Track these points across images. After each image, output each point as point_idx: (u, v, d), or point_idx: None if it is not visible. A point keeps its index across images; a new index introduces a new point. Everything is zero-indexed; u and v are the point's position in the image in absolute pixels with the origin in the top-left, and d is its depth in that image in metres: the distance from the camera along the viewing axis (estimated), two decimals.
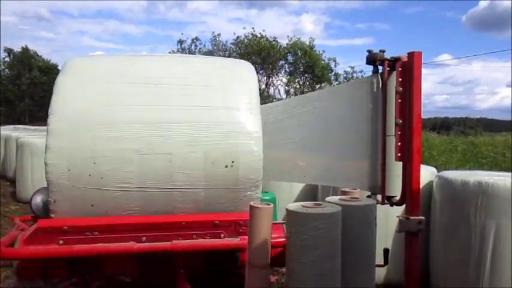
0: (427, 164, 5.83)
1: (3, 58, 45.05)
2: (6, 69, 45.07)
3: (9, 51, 45.06)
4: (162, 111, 2.77)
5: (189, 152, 2.72)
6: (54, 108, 2.71)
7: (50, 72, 43.59)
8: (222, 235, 2.72)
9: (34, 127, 17.38)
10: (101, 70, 2.97)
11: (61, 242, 2.58)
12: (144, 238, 2.65)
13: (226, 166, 2.76)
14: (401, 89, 2.54)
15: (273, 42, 29.62)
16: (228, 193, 2.84)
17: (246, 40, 29.85)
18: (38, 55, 45.83)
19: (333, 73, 30.90)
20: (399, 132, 2.55)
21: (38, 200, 3.74)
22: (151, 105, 2.77)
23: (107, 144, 2.66)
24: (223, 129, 2.77)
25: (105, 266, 2.82)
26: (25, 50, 45.11)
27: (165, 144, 2.70)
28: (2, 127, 15.98)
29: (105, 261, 2.79)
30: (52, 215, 2.70)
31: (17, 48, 45.13)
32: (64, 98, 2.76)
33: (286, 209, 2.12)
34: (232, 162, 2.77)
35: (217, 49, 30.93)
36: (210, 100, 2.85)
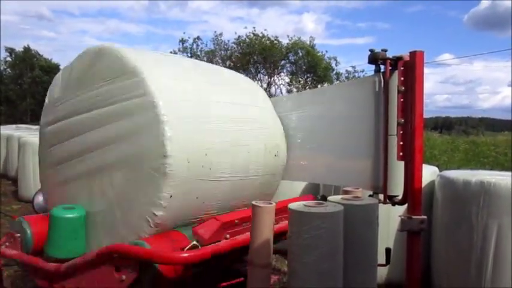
0: (429, 163, 5.82)
1: (5, 58, 45.07)
2: (8, 69, 45.09)
3: (10, 50, 45.08)
4: (240, 108, 3.15)
5: (257, 144, 3.13)
6: (163, 99, 2.58)
7: (52, 71, 43.60)
8: None
9: (36, 126, 17.38)
10: (184, 67, 3.20)
11: (227, 236, 2.59)
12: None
13: (274, 155, 3.29)
14: (403, 88, 2.54)
15: (275, 42, 29.61)
16: (272, 179, 3.36)
17: (247, 40, 29.84)
18: (39, 54, 45.85)
19: (334, 72, 30.91)
20: (401, 132, 2.54)
21: (40, 199, 3.76)
22: (233, 103, 3.12)
23: (212, 137, 2.79)
24: (270, 125, 3.34)
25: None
26: (27, 49, 45.14)
27: (244, 137, 3.04)
28: (4, 126, 16.01)
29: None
30: (160, 213, 2.55)
31: (19, 48, 45.13)
32: (167, 89, 2.68)
33: (288, 208, 2.12)
34: (277, 152, 3.31)
35: (219, 48, 30.95)
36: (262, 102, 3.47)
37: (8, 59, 45.13)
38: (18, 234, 2.98)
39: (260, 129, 3.22)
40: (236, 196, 3.04)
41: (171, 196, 2.53)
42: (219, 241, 2.53)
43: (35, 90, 42.23)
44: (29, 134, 9.64)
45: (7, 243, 3.02)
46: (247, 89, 3.58)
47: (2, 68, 45.16)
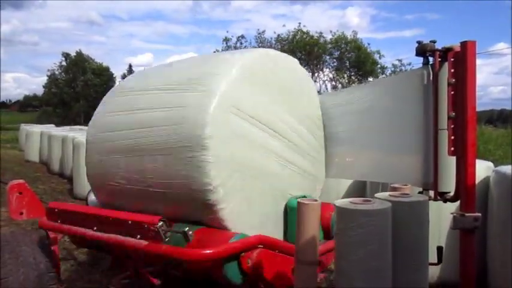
0: (483, 158, 5.57)
1: (60, 62, 47.37)
2: (63, 73, 47.39)
3: (66, 55, 47.39)
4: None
5: None
6: None
7: (102, 74, 45.40)
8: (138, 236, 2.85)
9: None
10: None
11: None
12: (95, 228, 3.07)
13: None
14: (453, 80, 2.44)
15: (316, 38, 29.34)
16: None
17: (290, 36, 29.74)
18: (91, 58, 47.90)
19: (379, 66, 30.29)
20: (452, 126, 2.45)
21: (94, 197, 3.93)
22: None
23: None
24: None
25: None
26: (79, 53, 47.27)
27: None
28: (59, 128, 16.85)
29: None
30: None
31: (72, 53, 47.34)
32: None
33: (334, 205, 2.09)
34: None
35: (262, 46, 31.07)
36: None
37: (63, 63, 47.45)
38: None
39: None
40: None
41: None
42: None
43: (87, 93, 44.14)
44: (82, 135, 10.07)
45: None
46: None
47: (57, 72, 47.49)
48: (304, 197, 3.01)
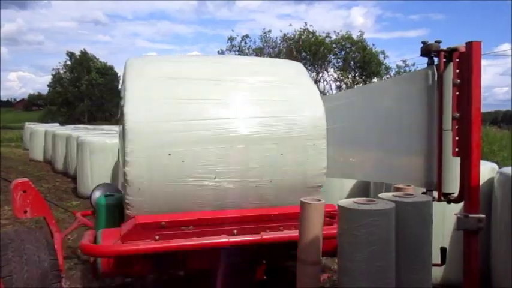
0: (488, 159, 5.54)
1: (65, 61, 47.55)
2: (67, 72, 47.56)
3: (70, 55, 47.55)
4: None
5: None
6: None
7: (107, 73, 45.53)
8: None
9: (92, 126, 18.21)
10: None
11: (157, 237, 2.65)
12: (235, 231, 2.76)
13: None
14: (458, 81, 2.43)
15: (321, 38, 29.32)
16: None
17: (296, 35, 29.71)
18: (95, 58, 48.05)
19: (383, 66, 30.25)
20: (457, 126, 2.44)
21: (97, 195, 3.94)
22: None
23: None
24: None
25: (190, 260, 2.95)
26: (83, 53, 47.42)
27: None
28: (63, 127, 16.92)
29: (191, 255, 2.89)
30: None
31: (76, 52, 47.49)
32: None
33: (338, 205, 2.09)
34: None
35: (268, 46, 31.04)
36: None
37: (68, 62, 47.60)
38: None
39: None
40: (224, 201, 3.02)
41: (131, 199, 2.81)
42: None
43: (91, 92, 44.31)
44: (86, 134, 10.11)
45: None
46: None
47: (61, 72, 47.66)
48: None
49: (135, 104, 2.78)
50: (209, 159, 2.76)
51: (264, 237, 2.72)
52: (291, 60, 3.80)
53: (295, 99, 3.07)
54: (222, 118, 2.87)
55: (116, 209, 3.20)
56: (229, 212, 2.80)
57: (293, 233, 2.66)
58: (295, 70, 3.41)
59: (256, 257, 3.11)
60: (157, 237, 2.63)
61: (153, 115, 2.76)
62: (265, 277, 3.22)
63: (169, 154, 2.71)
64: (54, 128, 15.85)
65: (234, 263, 2.97)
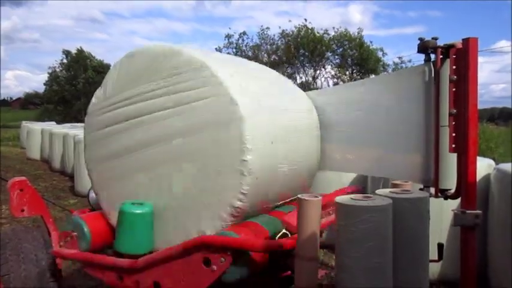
0: (484, 156, 5.56)
1: (61, 59, 47.34)
2: (64, 70, 47.36)
3: (67, 53, 47.31)
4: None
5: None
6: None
7: (104, 71, 45.31)
8: None
9: None
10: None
11: None
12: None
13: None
14: (455, 77, 2.44)
15: (320, 35, 29.31)
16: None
17: (295, 32, 29.66)
18: (92, 56, 47.86)
19: (381, 63, 30.26)
20: (453, 123, 2.45)
21: (94, 194, 3.93)
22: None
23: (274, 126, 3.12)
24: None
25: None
26: (80, 51, 47.21)
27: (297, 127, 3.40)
28: (60, 125, 16.87)
29: None
30: (240, 204, 2.65)
31: (73, 50, 47.27)
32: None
33: (335, 201, 2.09)
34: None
35: (265, 43, 31.00)
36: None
37: (64, 60, 47.39)
38: (75, 233, 3.11)
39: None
40: (289, 186, 3.11)
41: (248, 189, 2.60)
42: None
43: (88, 91, 44.10)
44: (83, 132, 10.08)
45: (62, 243, 3.16)
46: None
47: (58, 70, 47.47)
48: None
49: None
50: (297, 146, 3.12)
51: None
52: None
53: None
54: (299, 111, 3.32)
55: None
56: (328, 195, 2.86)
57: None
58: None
59: None
60: None
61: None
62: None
63: (272, 143, 2.83)
64: (51, 126, 15.81)
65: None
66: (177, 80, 2.82)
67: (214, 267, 2.44)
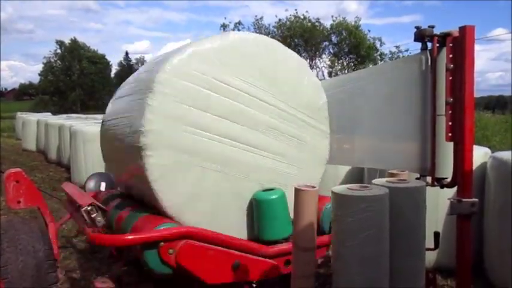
0: (480, 145, 5.58)
1: (55, 50, 46.95)
2: (58, 61, 46.98)
3: (60, 43, 46.88)
4: None
5: None
6: None
7: (99, 62, 45.09)
8: None
9: (85, 116, 18.07)
10: None
11: None
12: None
13: None
14: (452, 66, 2.43)
15: (316, 24, 29.15)
16: None
17: (288, 22, 29.51)
18: (86, 46, 47.46)
19: (378, 53, 30.12)
20: (450, 111, 2.45)
21: (91, 185, 3.92)
22: None
23: None
24: None
25: None
26: (74, 41, 46.78)
27: None
28: (55, 116, 16.79)
29: None
30: None
31: (67, 40, 46.84)
32: None
33: (332, 192, 2.09)
34: None
35: (260, 33, 30.82)
36: None
37: (58, 51, 46.99)
38: None
39: None
40: None
41: None
42: None
43: (83, 81, 43.87)
44: (79, 123, 10.03)
45: None
46: None
47: (52, 61, 47.08)
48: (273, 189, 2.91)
49: None
50: None
51: None
52: None
53: None
54: None
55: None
56: None
57: None
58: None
59: None
60: None
61: None
62: None
63: None
64: (47, 117, 15.73)
65: None
66: None
67: None
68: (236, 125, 2.82)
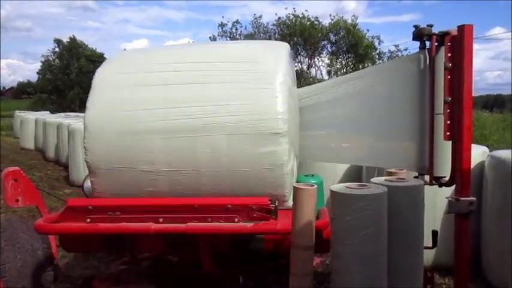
0: (478, 143, 5.59)
1: (53, 48, 46.80)
2: (56, 59, 46.84)
3: (58, 41, 46.73)
4: None
5: None
6: None
7: (97, 60, 44.92)
8: (236, 219, 2.60)
9: (84, 114, 18.00)
10: None
11: (88, 220, 2.70)
12: (161, 220, 2.68)
13: None
14: (450, 64, 2.43)
15: (315, 22, 29.10)
16: None
17: (287, 21, 29.45)
18: (85, 44, 47.31)
19: (377, 52, 30.06)
20: (448, 110, 2.45)
21: (90, 183, 3.91)
22: None
23: None
24: None
25: (137, 244, 2.96)
26: (72, 40, 46.65)
27: None
28: (54, 114, 16.75)
29: (137, 239, 2.91)
30: None
31: (66, 39, 46.70)
32: None
33: (330, 190, 2.10)
34: None
35: (258, 31, 30.73)
36: None
37: (56, 49, 46.84)
38: None
39: None
40: None
41: None
42: None
43: (81, 80, 43.70)
44: (77, 122, 10.01)
45: None
46: None
47: (50, 59, 46.94)
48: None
49: None
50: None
51: (189, 227, 2.61)
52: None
53: None
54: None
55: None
56: (156, 200, 2.82)
57: (220, 225, 2.60)
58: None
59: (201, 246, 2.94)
60: (88, 220, 2.69)
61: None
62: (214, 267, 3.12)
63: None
64: (45, 116, 15.69)
65: (178, 251, 3.14)
66: None
67: None
68: None
